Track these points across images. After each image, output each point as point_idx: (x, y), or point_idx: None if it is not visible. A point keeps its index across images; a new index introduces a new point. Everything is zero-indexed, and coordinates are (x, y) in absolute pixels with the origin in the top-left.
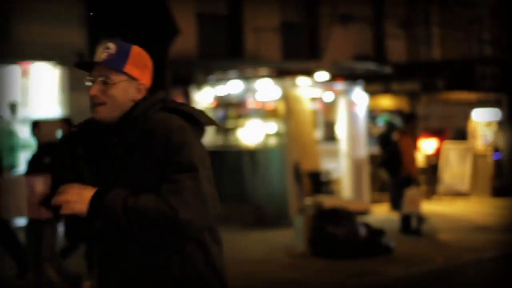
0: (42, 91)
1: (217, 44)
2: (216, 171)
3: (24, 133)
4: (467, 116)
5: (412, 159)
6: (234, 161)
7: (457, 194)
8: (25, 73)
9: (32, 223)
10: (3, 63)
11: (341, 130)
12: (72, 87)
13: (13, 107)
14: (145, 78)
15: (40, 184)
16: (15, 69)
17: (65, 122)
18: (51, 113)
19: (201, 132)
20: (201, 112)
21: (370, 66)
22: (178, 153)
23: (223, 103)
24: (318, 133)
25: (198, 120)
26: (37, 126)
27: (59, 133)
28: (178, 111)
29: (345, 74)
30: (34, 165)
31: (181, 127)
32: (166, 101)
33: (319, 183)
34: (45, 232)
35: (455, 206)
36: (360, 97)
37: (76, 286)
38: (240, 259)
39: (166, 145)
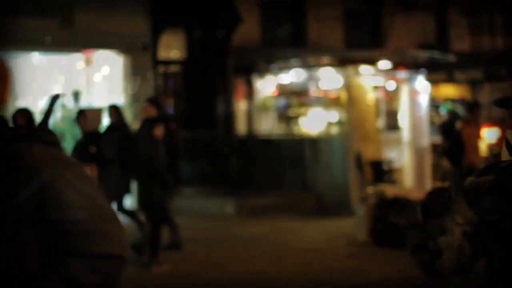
0: (105, 79)
1: (280, 33)
2: (277, 160)
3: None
4: None
5: (475, 148)
6: (296, 150)
7: None
8: (88, 61)
9: None
10: (67, 51)
11: (403, 119)
12: (134, 75)
13: (76, 95)
14: None
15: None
16: (79, 57)
17: (114, 109)
18: (113, 101)
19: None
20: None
21: (433, 54)
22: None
23: (285, 91)
24: (380, 122)
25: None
26: (82, 114)
27: (103, 122)
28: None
29: (407, 63)
30: (79, 154)
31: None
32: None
33: (381, 172)
34: None
35: None
36: (422, 85)
37: None
38: (300, 248)
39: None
